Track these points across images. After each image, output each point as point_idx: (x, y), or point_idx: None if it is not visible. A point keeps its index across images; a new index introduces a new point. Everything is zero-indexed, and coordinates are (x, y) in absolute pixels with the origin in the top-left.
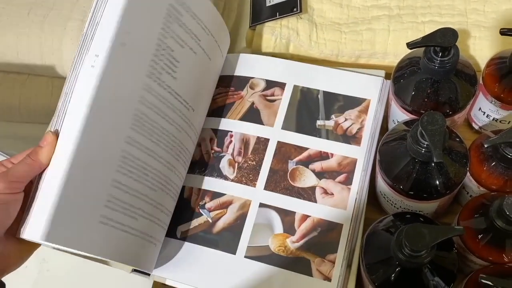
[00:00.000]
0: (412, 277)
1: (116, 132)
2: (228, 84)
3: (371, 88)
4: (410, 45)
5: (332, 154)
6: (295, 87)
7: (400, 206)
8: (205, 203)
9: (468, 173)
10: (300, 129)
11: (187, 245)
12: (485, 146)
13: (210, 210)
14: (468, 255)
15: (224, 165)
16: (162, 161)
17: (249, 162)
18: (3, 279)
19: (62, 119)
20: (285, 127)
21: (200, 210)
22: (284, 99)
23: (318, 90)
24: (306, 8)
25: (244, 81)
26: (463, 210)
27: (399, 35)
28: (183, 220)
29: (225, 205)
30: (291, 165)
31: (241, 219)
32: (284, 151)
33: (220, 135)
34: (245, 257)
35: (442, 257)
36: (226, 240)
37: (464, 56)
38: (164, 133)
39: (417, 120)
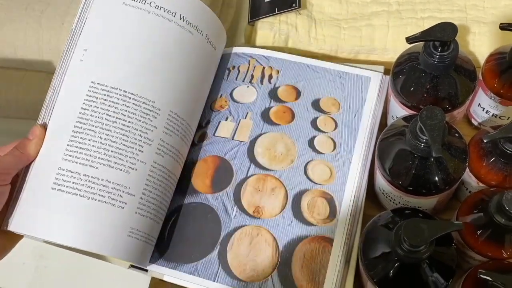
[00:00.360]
0: (411, 272)
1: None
2: None
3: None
4: (409, 39)
5: None
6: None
7: (399, 202)
8: None
9: (467, 169)
10: None
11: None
12: (485, 141)
13: None
14: (467, 251)
15: None
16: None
17: None
18: None
19: (50, 112)
20: None
21: None
22: None
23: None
24: (305, 3)
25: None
26: (462, 205)
27: (399, 31)
28: None
29: None
30: None
31: None
32: None
33: None
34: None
35: (441, 253)
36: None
37: (464, 52)
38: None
39: (416, 115)
